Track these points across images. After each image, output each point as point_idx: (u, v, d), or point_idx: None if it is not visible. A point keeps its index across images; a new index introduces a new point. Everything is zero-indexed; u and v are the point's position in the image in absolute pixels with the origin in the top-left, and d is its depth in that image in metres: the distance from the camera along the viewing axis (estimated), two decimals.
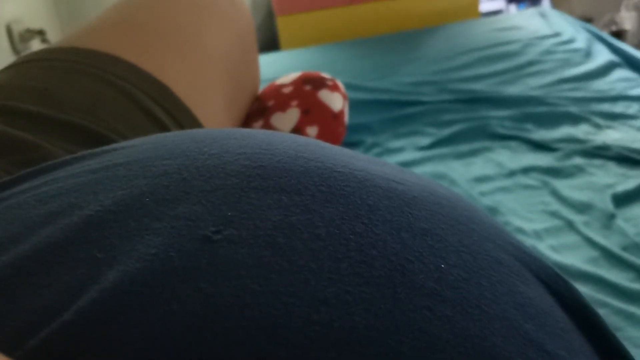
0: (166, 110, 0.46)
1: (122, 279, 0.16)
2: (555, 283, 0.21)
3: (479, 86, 1.00)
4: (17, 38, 1.40)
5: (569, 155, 0.77)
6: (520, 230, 0.63)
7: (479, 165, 0.78)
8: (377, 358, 0.14)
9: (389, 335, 0.15)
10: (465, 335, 0.16)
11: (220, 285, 0.16)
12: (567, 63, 1.05)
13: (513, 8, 2.16)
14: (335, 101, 0.71)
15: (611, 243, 0.58)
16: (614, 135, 0.80)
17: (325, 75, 0.74)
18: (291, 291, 0.16)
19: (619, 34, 1.93)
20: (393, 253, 0.18)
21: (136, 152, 0.23)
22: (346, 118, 0.74)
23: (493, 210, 0.67)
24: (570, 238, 0.61)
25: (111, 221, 0.18)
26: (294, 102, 0.70)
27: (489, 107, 0.93)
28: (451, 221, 0.20)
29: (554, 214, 0.65)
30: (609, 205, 0.64)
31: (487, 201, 0.69)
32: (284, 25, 1.64)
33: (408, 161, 0.80)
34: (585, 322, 0.21)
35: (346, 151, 0.24)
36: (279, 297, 0.15)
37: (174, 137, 0.24)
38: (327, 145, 0.24)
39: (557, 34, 1.18)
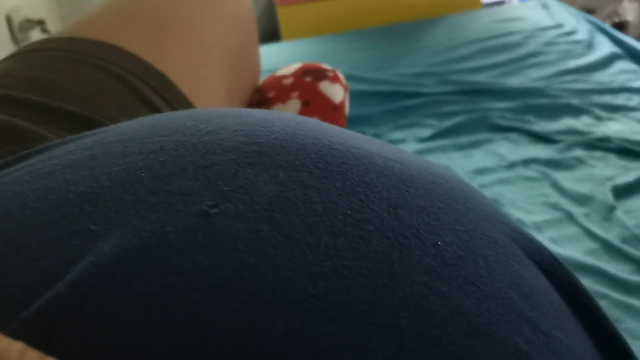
0: (166, 100, 0.46)
1: (118, 252, 0.16)
2: (550, 265, 0.22)
3: (480, 78, 1.00)
4: (17, 28, 1.39)
5: (570, 147, 0.77)
6: (520, 222, 0.63)
7: (480, 157, 0.78)
8: (374, 332, 0.15)
9: (386, 309, 0.15)
10: (461, 311, 0.16)
11: (217, 259, 0.16)
12: (568, 55, 1.05)
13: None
14: (336, 93, 0.71)
15: (611, 235, 0.59)
16: (615, 127, 0.80)
17: (326, 66, 0.74)
18: (288, 265, 0.16)
19: (621, 26, 1.92)
20: (390, 229, 0.18)
21: (132, 130, 0.23)
22: (347, 109, 0.73)
23: (493, 201, 0.67)
24: (570, 230, 0.61)
25: (106, 195, 0.18)
26: (295, 94, 0.70)
27: (490, 98, 0.93)
28: (448, 200, 0.20)
29: (554, 206, 0.65)
30: (609, 198, 0.64)
31: (487, 193, 0.69)
32: (285, 16, 1.63)
33: None
34: (579, 304, 0.21)
35: (344, 130, 0.24)
36: (276, 270, 0.15)
37: (171, 115, 0.24)
38: (325, 123, 0.24)
39: (559, 26, 1.18)
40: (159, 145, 0.21)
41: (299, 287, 0.15)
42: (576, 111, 0.86)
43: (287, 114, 0.24)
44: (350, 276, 0.16)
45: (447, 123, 0.87)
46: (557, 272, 0.21)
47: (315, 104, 0.69)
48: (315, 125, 0.23)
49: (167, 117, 0.24)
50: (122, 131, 0.23)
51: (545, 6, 1.32)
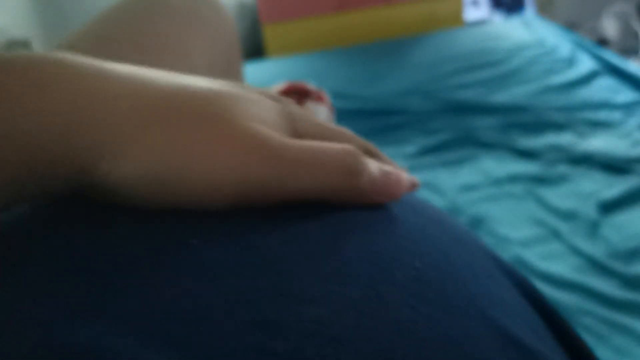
0: None
1: None
2: (524, 284, 0.23)
3: (465, 94, 1.01)
4: (4, 49, 1.39)
5: (554, 163, 0.78)
6: (506, 239, 0.63)
7: (465, 174, 0.78)
8: (369, 356, 0.15)
9: (380, 334, 0.15)
10: (447, 335, 0.16)
11: (208, 287, 0.16)
12: (551, 71, 1.06)
13: (497, 17, 2.18)
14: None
15: (596, 251, 0.59)
16: (598, 143, 0.81)
17: (311, 86, 0.74)
18: (278, 290, 0.16)
19: (602, 41, 1.95)
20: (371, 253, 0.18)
21: None
22: None
23: (479, 218, 0.67)
24: (556, 246, 0.61)
25: None
26: None
27: (475, 115, 0.94)
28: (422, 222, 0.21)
29: (540, 222, 0.65)
30: (594, 213, 0.65)
31: (473, 210, 0.69)
32: (271, 33, 1.64)
33: None
34: (552, 321, 0.22)
35: None
36: (266, 294, 0.16)
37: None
38: None
39: (541, 43, 1.20)
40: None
41: (292, 310, 0.15)
42: (559, 127, 0.87)
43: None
44: (339, 300, 0.16)
45: (433, 140, 0.88)
46: (531, 291, 0.22)
47: None
48: None
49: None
50: None
51: (527, 24, 1.34)
